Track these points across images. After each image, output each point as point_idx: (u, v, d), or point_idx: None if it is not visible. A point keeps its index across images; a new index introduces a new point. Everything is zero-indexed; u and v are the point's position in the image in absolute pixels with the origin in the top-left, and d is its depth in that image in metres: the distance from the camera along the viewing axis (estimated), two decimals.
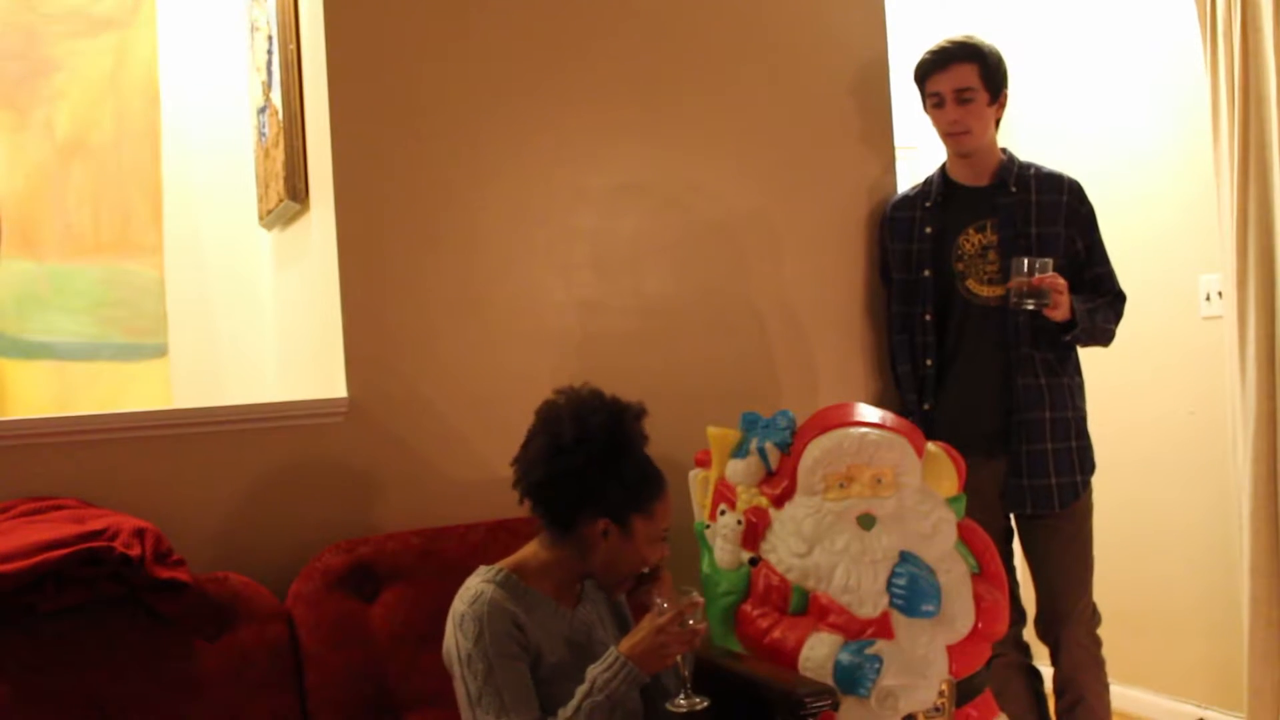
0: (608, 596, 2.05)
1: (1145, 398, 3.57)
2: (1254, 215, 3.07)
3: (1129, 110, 3.66)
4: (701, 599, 1.87)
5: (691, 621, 1.81)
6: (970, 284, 2.72)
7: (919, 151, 4.21)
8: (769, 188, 2.83)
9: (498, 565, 1.94)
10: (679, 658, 1.83)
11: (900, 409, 2.75)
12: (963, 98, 2.69)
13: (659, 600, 1.83)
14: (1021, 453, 2.66)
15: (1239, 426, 3.13)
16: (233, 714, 2.01)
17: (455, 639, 1.85)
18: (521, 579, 1.92)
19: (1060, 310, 2.57)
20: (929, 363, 2.76)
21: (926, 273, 2.76)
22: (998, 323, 2.68)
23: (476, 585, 1.89)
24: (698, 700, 1.86)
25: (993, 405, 2.70)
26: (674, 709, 1.86)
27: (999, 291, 2.67)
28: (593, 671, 1.81)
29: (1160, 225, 3.55)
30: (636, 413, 1.95)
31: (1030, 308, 2.56)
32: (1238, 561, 3.16)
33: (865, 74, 2.96)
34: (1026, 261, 2.54)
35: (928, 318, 2.76)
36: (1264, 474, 3.06)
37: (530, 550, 1.98)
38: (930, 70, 2.74)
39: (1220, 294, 3.30)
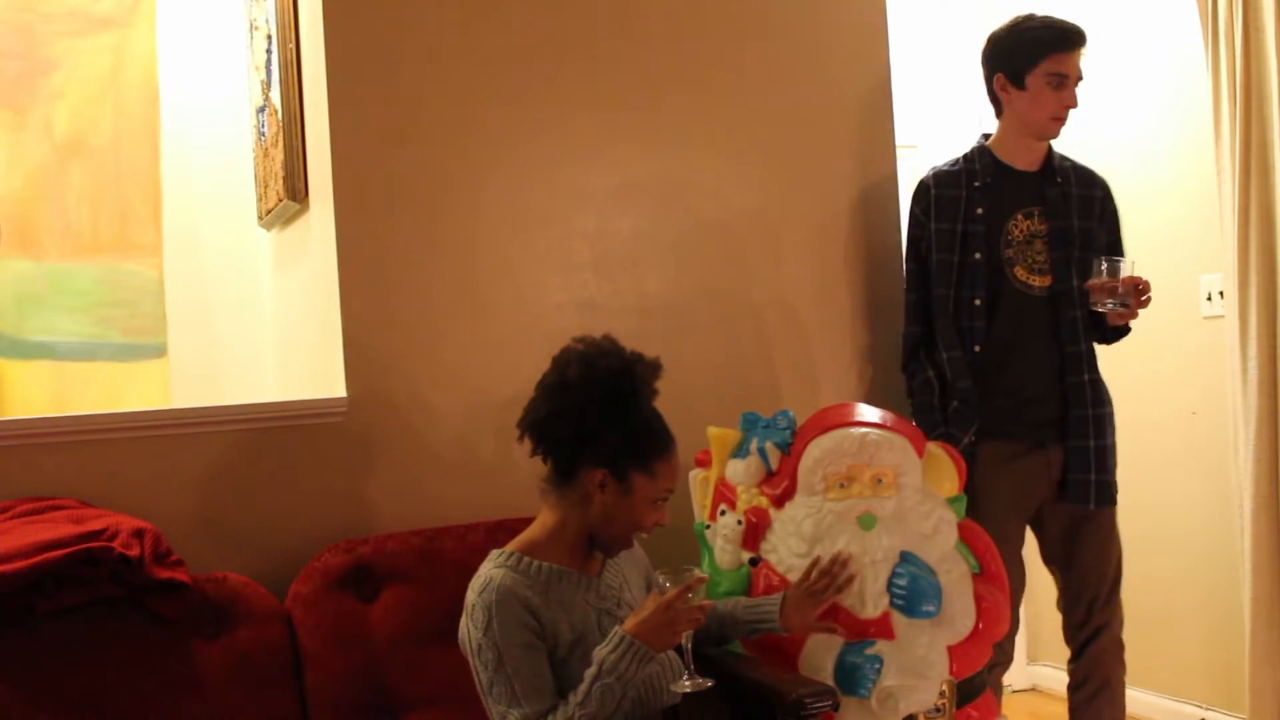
0: (605, 556, 1.99)
1: (1147, 398, 3.56)
2: (1255, 215, 3.07)
3: (1130, 110, 3.66)
4: (705, 575, 1.86)
5: (695, 597, 1.79)
6: (1019, 271, 2.66)
7: (919, 151, 4.20)
8: (769, 187, 2.83)
9: (508, 548, 1.91)
10: (683, 638, 1.81)
11: (920, 398, 2.69)
12: (1079, 82, 2.63)
13: (661, 577, 1.81)
14: (1088, 448, 2.64)
15: (1240, 426, 3.12)
16: (233, 714, 2.01)
17: (467, 628, 1.84)
18: (534, 556, 1.89)
19: (1135, 314, 2.58)
20: (978, 349, 2.66)
21: (978, 255, 2.65)
22: (1050, 314, 2.65)
23: (486, 571, 1.87)
24: (702, 680, 1.84)
25: (1045, 397, 2.66)
26: (679, 688, 1.85)
27: (1047, 282, 2.64)
28: (600, 653, 1.78)
29: (1161, 225, 3.54)
30: (650, 365, 1.92)
31: (1109, 308, 2.54)
32: (1239, 561, 3.16)
33: (866, 73, 2.96)
34: (1110, 263, 2.52)
35: (977, 302, 2.65)
36: (1265, 474, 3.05)
37: (538, 522, 1.95)
38: (1060, 48, 2.60)
39: (1221, 294, 3.30)
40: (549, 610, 1.84)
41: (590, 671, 1.77)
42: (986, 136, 2.78)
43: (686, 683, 1.84)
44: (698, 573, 1.82)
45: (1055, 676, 3.16)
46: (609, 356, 1.90)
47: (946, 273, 2.67)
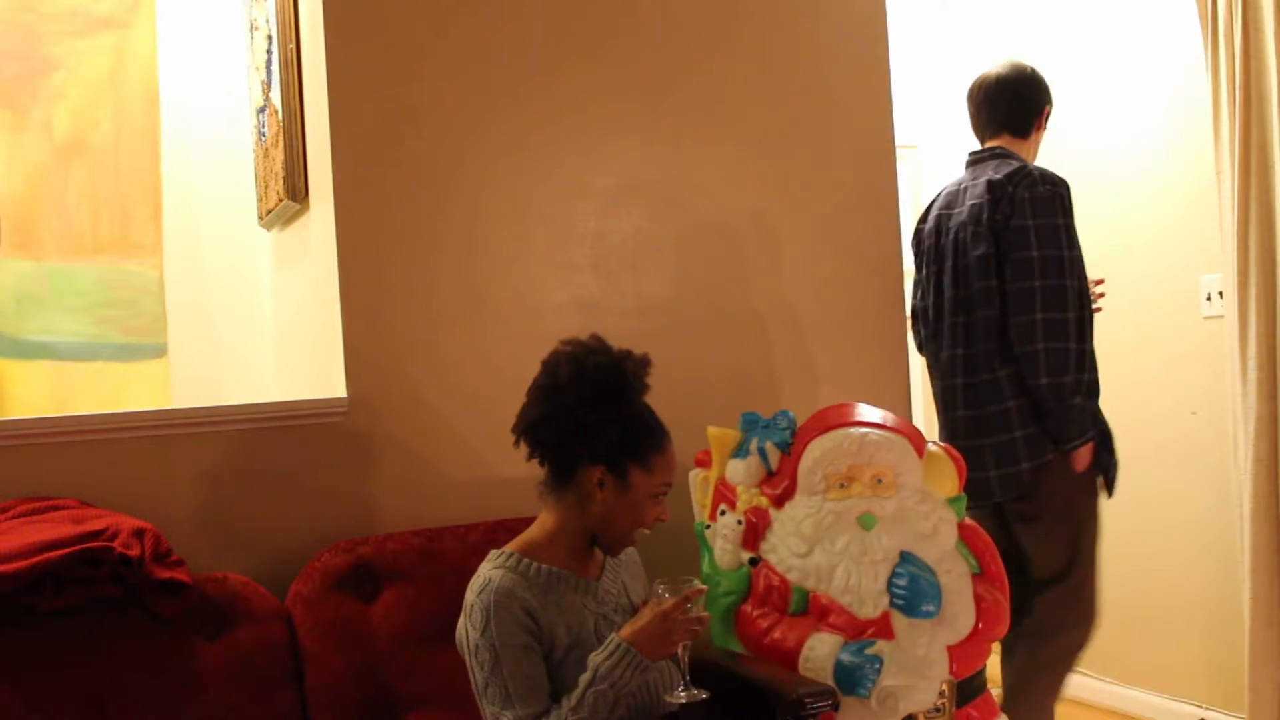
0: (609, 555, 2.00)
1: (1147, 398, 3.57)
2: (1255, 215, 3.07)
3: (1130, 110, 3.66)
4: (704, 586, 1.86)
5: (693, 609, 1.80)
6: None
7: (919, 151, 4.21)
8: (769, 187, 2.83)
9: (507, 548, 1.92)
10: (679, 648, 1.81)
11: (1088, 397, 2.74)
12: None
13: (660, 587, 1.81)
14: None
15: (1240, 426, 3.12)
16: (233, 714, 2.01)
17: (465, 628, 1.84)
18: (533, 558, 1.89)
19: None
20: None
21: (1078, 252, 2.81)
22: None
23: (486, 572, 1.87)
24: (697, 692, 1.84)
25: None
26: (674, 700, 1.84)
27: None
28: (595, 659, 1.79)
29: (1161, 225, 3.54)
30: (638, 361, 1.93)
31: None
32: (1239, 561, 3.16)
33: (866, 73, 2.96)
34: None
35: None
36: (1265, 474, 3.05)
37: (537, 524, 1.95)
38: None
39: (1221, 294, 3.30)
40: (547, 613, 1.84)
41: (585, 677, 1.78)
42: (1003, 151, 2.90)
43: (682, 694, 1.83)
44: (697, 584, 1.82)
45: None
46: (597, 355, 1.90)
47: (1078, 267, 2.76)
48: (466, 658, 1.85)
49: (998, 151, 2.89)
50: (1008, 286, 2.71)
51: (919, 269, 3.04)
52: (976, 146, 2.98)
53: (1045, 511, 2.77)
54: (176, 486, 2.26)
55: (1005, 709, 2.80)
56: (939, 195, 3.03)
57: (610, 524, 1.91)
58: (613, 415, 1.87)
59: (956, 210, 2.87)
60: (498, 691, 1.78)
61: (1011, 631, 2.67)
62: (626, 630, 1.80)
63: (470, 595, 1.85)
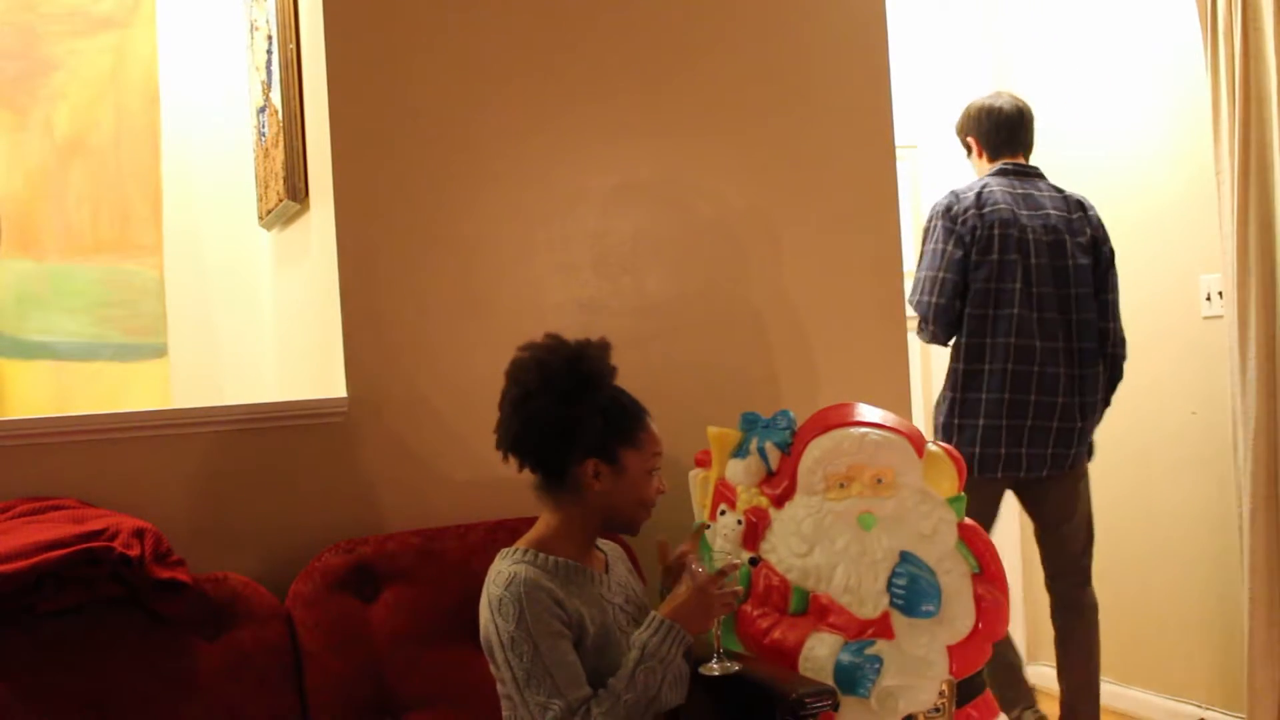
0: (629, 535, 2.03)
1: (1146, 398, 3.57)
2: (1255, 215, 3.07)
3: (1130, 109, 3.66)
4: (738, 561, 1.90)
5: (729, 582, 1.84)
6: None
7: (919, 151, 4.21)
8: (769, 187, 2.83)
9: (519, 546, 1.92)
10: (715, 623, 1.85)
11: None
12: None
13: (695, 564, 1.84)
14: None
15: (1240, 427, 3.12)
16: (233, 714, 2.01)
17: (495, 624, 1.82)
18: (547, 552, 1.90)
19: None
20: None
21: None
22: None
23: (507, 569, 1.86)
24: (730, 664, 1.88)
25: None
26: (707, 673, 1.87)
27: None
28: (640, 637, 1.82)
29: (1161, 225, 3.54)
30: (599, 347, 1.95)
31: None
32: (1238, 561, 3.16)
33: (866, 72, 2.96)
34: None
35: None
36: (1265, 474, 3.06)
37: (541, 522, 1.96)
38: None
39: (1221, 294, 3.30)
40: (571, 603, 1.85)
41: (632, 656, 1.81)
42: (1038, 170, 3.19)
43: (715, 666, 1.89)
44: (731, 558, 1.85)
45: (1054, 676, 3.16)
46: (557, 351, 1.93)
47: None
48: (499, 654, 1.82)
49: (1039, 171, 3.17)
50: (1107, 296, 3.09)
51: (985, 252, 3.00)
52: None
53: (1084, 477, 3.17)
54: (176, 486, 2.27)
55: (1075, 689, 3.08)
56: (988, 188, 3.05)
57: (616, 509, 1.93)
58: (590, 406, 1.88)
59: (1029, 211, 3.04)
60: (542, 682, 1.78)
61: (1074, 614, 3.10)
62: (666, 607, 1.84)
63: (495, 590, 1.84)
